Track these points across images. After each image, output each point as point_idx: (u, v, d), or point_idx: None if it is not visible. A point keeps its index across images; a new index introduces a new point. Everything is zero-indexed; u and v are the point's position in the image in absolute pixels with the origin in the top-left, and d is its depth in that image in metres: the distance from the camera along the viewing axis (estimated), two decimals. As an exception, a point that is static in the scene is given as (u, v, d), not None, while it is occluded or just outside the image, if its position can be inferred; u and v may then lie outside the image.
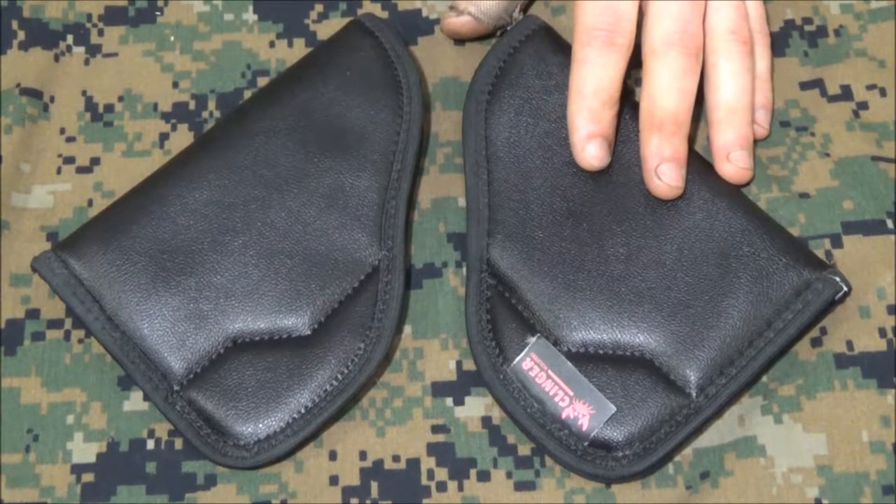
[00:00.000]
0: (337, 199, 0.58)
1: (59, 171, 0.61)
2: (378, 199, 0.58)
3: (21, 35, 0.64)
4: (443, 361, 0.56)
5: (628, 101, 0.59)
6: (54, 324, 0.58)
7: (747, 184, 0.58)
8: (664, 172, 0.55)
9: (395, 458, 0.55)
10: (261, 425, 0.54)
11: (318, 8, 0.65)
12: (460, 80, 0.62)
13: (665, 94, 0.55)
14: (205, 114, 0.63)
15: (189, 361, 0.55)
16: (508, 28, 0.61)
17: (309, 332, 0.55)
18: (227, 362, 0.55)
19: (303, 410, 0.54)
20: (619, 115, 0.57)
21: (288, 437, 0.54)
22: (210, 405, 0.54)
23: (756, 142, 0.59)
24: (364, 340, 0.55)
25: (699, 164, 0.58)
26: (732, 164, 0.57)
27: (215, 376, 0.55)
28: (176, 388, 0.55)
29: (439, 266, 0.58)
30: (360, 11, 0.65)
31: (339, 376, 0.55)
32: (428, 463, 0.54)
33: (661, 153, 0.55)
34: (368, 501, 0.54)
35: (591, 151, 0.56)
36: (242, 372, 0.55)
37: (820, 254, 0.56)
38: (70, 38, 0.64)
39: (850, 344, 0.55)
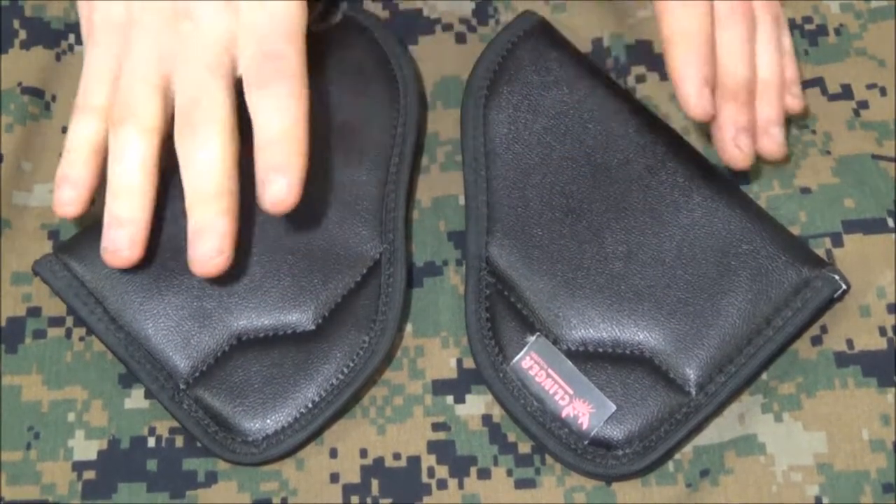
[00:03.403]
0: (336, 194, 0.58)
1: (60, 169, 0.61)
2: (377, 193, 0.58)
3: (22, 34, 0.64)
4: (443, 359, 0.56)
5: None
6: (55, 321, 0.58)
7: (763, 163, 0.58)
8: (743, 141, 0.55)
9: (396, 456, 0.55)
10: (268, 421, 0.54)
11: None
12: (460, 79, 0.62)
13: (737, 61, 0.55)
14: (205, 113, 0.62)
15: (194, 360, 0.55)
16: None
17: (313, 327, 0.55)
18: (233, 359, 0.55)
19: (310, 405, 0.54)
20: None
21: (296, 432, 0.54)
22: (217, 402, 0.54)
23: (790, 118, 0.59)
24: (369, 333, 0.55)
25: (699, 162, 0.58)
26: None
27: (221, 374, 0.55)
28: (182, 386, 0.55)
29: (440, 264, 0.58)
30: (359, 12, 0.65)
31: (345, 370, 0.55)
32: (428, 461, 0.54)
33: (738, 122, 0.55)
34: (369, 499, 0.54)
35: (707, 96, 0.53)
36: (248, 368, 0.55)
37: (820, 252, 0.56)
38: (72, 38, 0.64)
39: (850, 342, 0.55)
